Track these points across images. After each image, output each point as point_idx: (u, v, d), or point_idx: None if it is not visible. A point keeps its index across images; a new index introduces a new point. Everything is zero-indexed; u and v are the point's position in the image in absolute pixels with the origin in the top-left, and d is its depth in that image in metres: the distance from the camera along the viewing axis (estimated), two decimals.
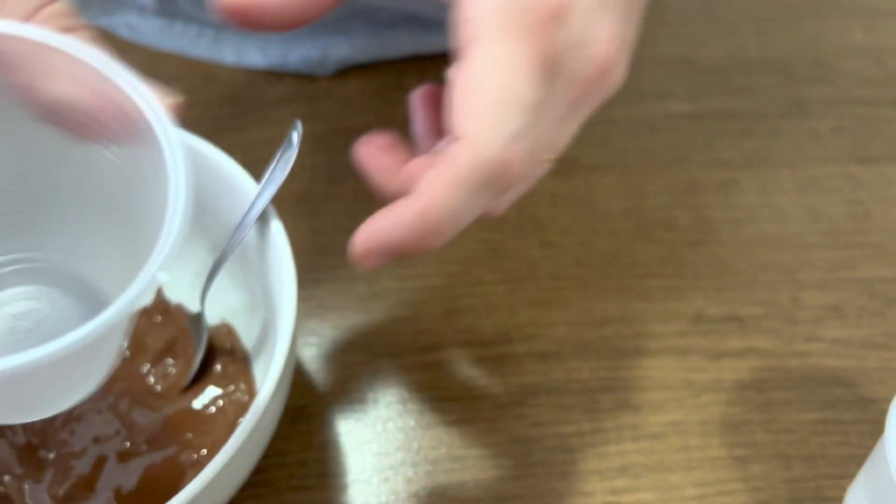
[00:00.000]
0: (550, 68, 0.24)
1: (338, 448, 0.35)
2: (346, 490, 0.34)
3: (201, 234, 0.35)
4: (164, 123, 0.22)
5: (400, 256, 0.24)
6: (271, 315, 0.31)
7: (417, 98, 0.28)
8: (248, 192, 0.32)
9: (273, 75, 0.46)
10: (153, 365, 0.34)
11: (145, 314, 0.35)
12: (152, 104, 0.22)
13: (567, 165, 0.44)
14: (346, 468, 0.34)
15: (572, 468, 0.34)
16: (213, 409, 0.33)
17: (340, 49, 0.46)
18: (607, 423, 0.35)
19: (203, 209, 0.33)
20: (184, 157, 0.22)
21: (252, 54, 0.46)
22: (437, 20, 0.44)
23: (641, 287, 0.39)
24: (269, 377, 0.27)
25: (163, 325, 0.35)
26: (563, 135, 0.27)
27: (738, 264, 0.40)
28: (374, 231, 0.24)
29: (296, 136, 0.31)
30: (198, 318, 0.34)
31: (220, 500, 0.29)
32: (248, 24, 0.26)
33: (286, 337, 0.28)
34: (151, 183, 0.23)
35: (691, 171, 0.44)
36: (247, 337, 0.35)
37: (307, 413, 0.35)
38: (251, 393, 0.33)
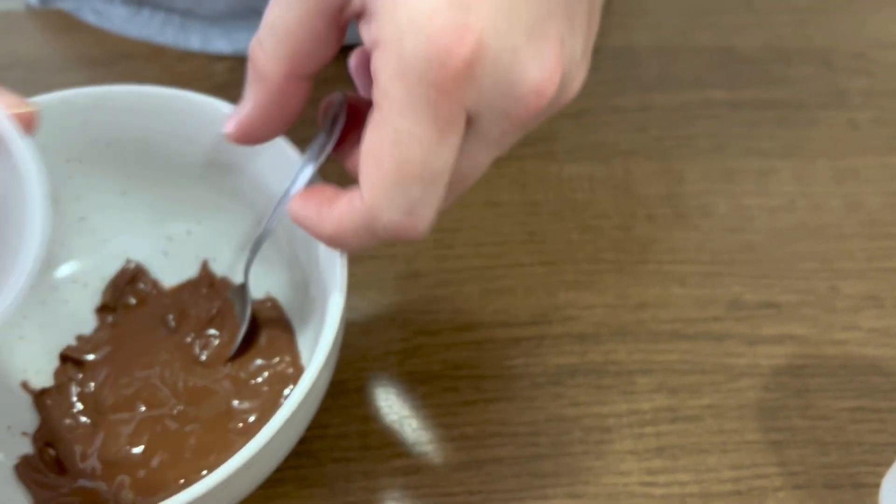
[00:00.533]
0: (460, 126, 0.24)
1: (378, 422, 0.35)
2: (386, 462, 0.34)
3: (248, 208, 0.35)
4: (16, 136, 0.22)
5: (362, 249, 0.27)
6: (318, 289, 0.32)
7: (353, 66, 0.29)
8: (295, 165, 0.32)
9: (240, 61, 0.46)
10: (198, 335, 0.35)
11: (192, 287, 0.36)
12: (3, 117, 0.22)
13: (605, 151, 0.44)
14: (386, 441, 0.35)
15: (609, 448, 0.35)
16: (258, 379, 0.33)
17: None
18: (644, 404, 0.36)
19: (249, 183, 0.34)
20: (38, 172, 0.22)
21: (218, 41, 0.47)
22: None
23: (678, 272, 0.40)
24: (319, 349, 0.28)
25: (208, 297, 0.35)
26: (491, 158, 0.27)
27: (775, 252, 0.40)
28: (300, 216, 0.27)
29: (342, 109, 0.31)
30: (241, 290, 0.34)
31: (267, 468, 0.29)
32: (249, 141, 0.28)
33: (337, 311, 0.28)
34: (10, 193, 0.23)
35: (729, 160, 0.44)
36: (291, 311, 0.35)
37: (347, 387, 0.36)
38: (296, 366, 0.33)
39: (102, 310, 0.36)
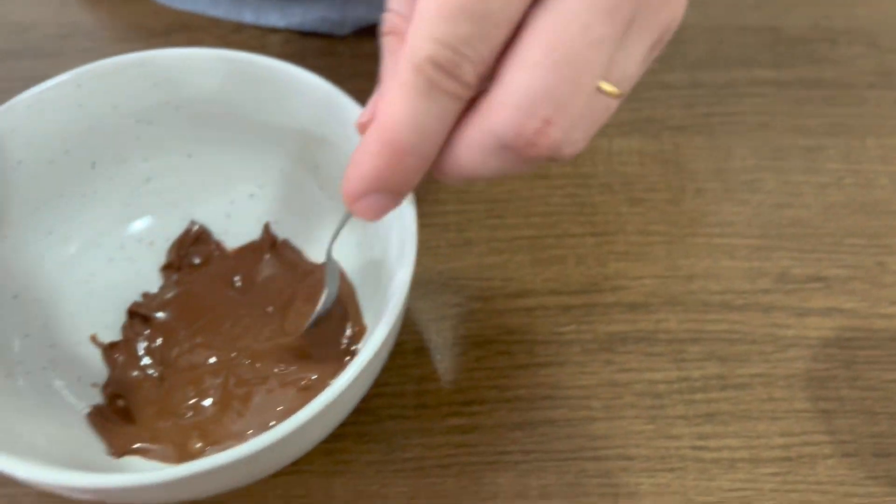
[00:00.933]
0: None
1: (433, 382, 0.36)
2: (441, 421, 0.35)
3: (310, 172, 0.36)
4: None
5: (389, 191, 0.23)
6: (382, 252, 0.32)
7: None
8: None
9: (294, 34, 0.47)
10: (267, 298, 0.35)
11: (254, 249, 0.37)
12: None
13: (653, 126, 0.44)
14: (441, 401, 0.35)
15: (660, 413, 0.35)
16: (323, 337, 0.34)
17: (358, 9, 0.46)
18: (694, 372, 0.36)
19: (315, 146, 0.35)
20: None
21: (271, 15, 0.47)
22: None
23: (728, 245, 0.40)
24: (389, 310, 0.28)
25: (275, 265, 0.36)
26: (616, 61, 0.23)
27: (824, 228, 0.41)
28: (352, 174, 0.23)
29: None
30: (328, 264, 0.34)
31: (333, 423, 0.30)
32: None
33: (407, 274, 0.29)
34: None
35: (776, 136, 0.44)
36: (353, 271, 0.36)
37: (404, 349, 0.37)
38: (359, 325, 0.34)
39: (167, 268, 0.37)
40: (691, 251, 0.40)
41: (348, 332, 0.34)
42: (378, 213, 0.25)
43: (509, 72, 0.22)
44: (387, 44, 0.26)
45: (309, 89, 0.32)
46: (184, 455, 0.32)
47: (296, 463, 0.34)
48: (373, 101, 0.27)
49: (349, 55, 0.47)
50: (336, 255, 0.37)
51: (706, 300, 0.38)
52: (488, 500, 0.33)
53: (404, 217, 0.30)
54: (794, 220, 0.41)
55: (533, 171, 0.24)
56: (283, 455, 0.28)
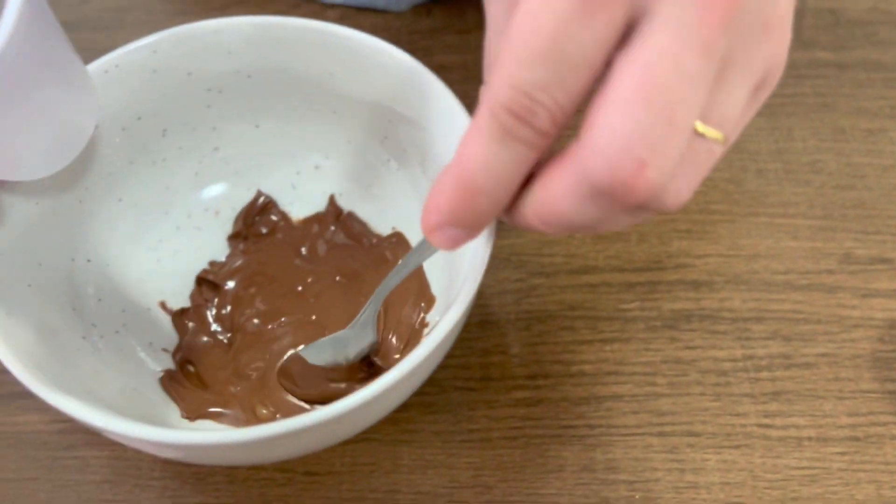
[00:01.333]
0: (612, 14, 0.20)
1: (497, 355, 0.36)
2: (506, 394, 0.35)
3: (381, 143, 0.36)
4: None
5: (464, 227, 0.23)
6: (461, 252, 0.32)
7: None
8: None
9: (350, 9, 0.47)
10: (336, 266, 0.36)
11: (319, 220, 0.37)
12: None
13: None
14: (506, 374, 0.35)
15: (726, 390, 0.35)
16: (391, 306, 0.34)
17: None
18: (759, 350, 0.36)
19: (389, 119, 0.35)
20: None
21: None
22: None
23: (790, 225, 0.40)
24: (464, 290, 0.28)
25: (341, 236, 0.36)
26: (714, 102, 0.22)
27: (887, 209, 0.40)
28: (430, 206, 0.23)
29: None
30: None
31: (407, 393, 0.30)
32: None
33: (484, 255, 0.29)
34: None
35: (837, 118, 0.44)
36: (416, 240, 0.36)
37: (468, 322, 0.37)
38: (429, 295, 0.34)
39: (234, 238, 0.37)
40: (753, 231, 0.40)
41: (420, 301, 0.35)
42: (454, 244, 0.24)
43: (599, 113, 0.20)
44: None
45: (393, 63, 0.32)
46: (252, 420, 0.32)
47: (363, 431, 0.34)
48: None
49: (406, 31, 0.47)
50: (405, 225, 0.37)
51: (769, 280, 0.38)
52: (554, 473, 0.33)
53: None
54: (856, 201, 0.41)
55: (637, 222, 0.23)
56: (355, 424, 0.29)
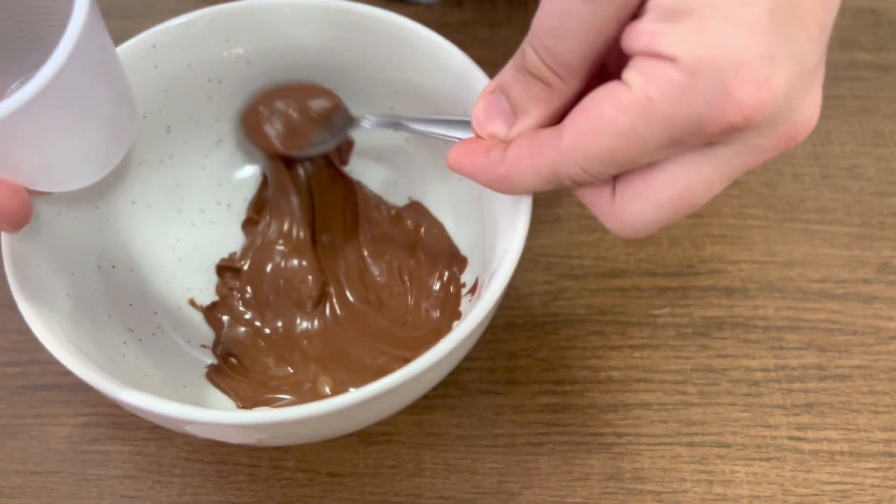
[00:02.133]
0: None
1: (524, 359, 0.35)
2: (533, 398, 0.34)
3: (390, 113, 0.35)
4: None
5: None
6: (490, 227, 0.32)
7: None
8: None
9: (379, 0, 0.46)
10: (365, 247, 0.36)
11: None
12: None
13: None
14: (532, 378, 0.35)
15: (757, 401, 0.34)
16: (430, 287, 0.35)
17: None
18: (792, 361, 0.35)
19: (393, 91, 0.34)
20: None
21: None
22: None
23: (827, 232, 0.39)
24: (492, 287, 0.28)
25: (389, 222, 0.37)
26: (724, 185, 0.25)
27: None
28: (464, 163, 0.27)
29: None
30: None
31: (424, 388, 0.29)
32: None
33: (515, 252, 0.28)
34: None
35: (877, 122, 0.43)
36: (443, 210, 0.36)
37: (494, 324, 0.36)
38: (459, 259, 0.34)
39: (248, 224, 0.37)
40: (789, 237, 0.39)
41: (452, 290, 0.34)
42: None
43: (637, 201, 0.25)
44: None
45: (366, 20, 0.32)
46: (305, 398, 0.32)
47: (386, 433, 0.34)
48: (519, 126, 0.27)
49: (436, 24, 0.46)
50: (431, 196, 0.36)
51: (804, 288, 0.37)
52: (580, 481, 0.33)
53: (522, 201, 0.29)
54: (895, 208, 0.40)
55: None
56: (391, 403, 0.28)
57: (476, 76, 0.31)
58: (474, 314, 0.27)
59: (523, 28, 0.46)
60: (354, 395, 0.25)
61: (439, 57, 0.32)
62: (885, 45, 0.45)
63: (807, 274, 0.38)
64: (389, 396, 0.26)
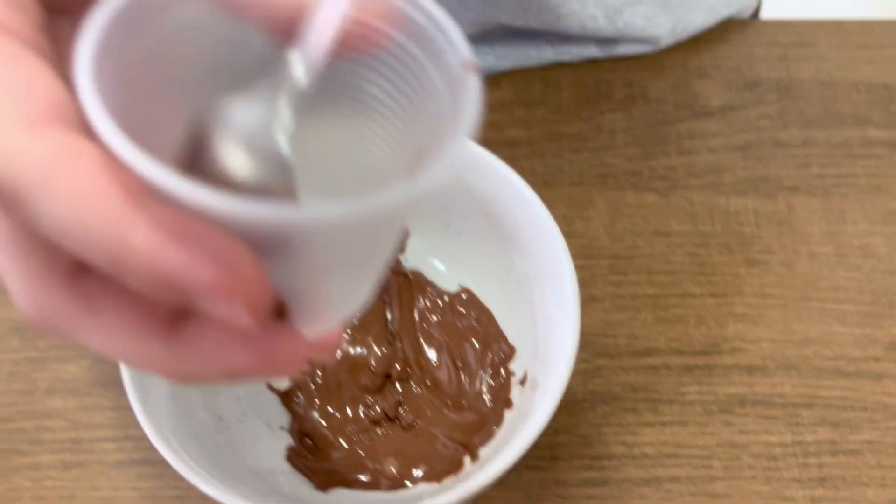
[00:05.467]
0: None
1: (565, 435, 0.39)
2: (575, 473, 0.38)
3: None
4: None
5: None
6: (541, 317, 0.36)
7: None
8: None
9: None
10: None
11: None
12: None
13: (770, 186, 0.47)
14: (574, 454, 0.39)
15: (776, 475, 0.38)
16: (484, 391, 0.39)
17: (487, 58, 0.49)
18: (807, 436, 0.39)
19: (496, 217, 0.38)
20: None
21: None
22: (575, 35, 0.47)
23: (840, 311, 0.42)
24: (561, 365, 0.32)
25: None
26: None
27: None
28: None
29: None
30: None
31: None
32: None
33: (571, 350, 0.32)
34: None
35: (888, 200, 0.46)
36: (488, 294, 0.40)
37: None
38: (508, 345, 0.39)
39: None
40: (804, 315, 0.42)
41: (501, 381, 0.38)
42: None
43: None
44: None
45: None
46: (379, 478, 0.36)
47: None
48: None
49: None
50: (473, 279, 0.40)
51: (819, 365, 0.41)
52: None
53: (568, 292, 0.33)
54: None
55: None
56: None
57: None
58: (539, 416, 0.31)
59: (557, 109, 0.50)
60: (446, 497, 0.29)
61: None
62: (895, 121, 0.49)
63: (821, 352, 0.41)
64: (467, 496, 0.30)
